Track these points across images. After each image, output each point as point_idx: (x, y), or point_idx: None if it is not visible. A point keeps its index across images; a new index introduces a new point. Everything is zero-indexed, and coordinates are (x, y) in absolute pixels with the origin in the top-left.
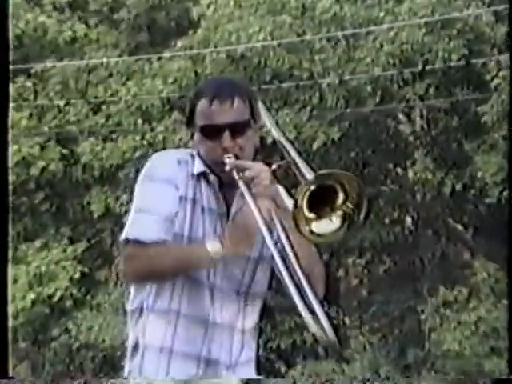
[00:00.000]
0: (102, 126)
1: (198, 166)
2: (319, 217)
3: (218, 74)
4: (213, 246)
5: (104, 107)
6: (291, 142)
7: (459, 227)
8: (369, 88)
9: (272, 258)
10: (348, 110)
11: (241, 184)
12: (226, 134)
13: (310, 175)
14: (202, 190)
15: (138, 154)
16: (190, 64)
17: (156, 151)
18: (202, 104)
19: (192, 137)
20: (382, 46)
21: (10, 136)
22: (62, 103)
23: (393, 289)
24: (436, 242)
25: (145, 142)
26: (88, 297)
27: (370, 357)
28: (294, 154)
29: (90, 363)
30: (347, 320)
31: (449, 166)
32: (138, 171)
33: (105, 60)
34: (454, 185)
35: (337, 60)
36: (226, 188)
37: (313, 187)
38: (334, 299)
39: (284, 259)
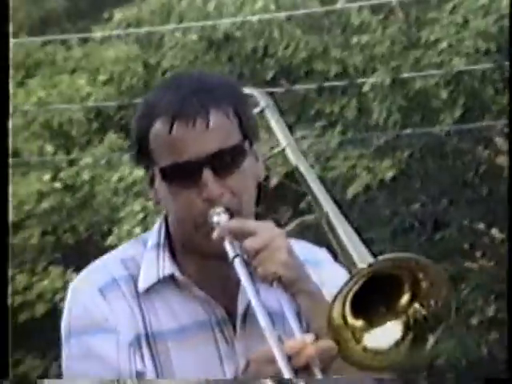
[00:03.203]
0: None
1: (148, 276)
2: (371, 324)
3: (183, 67)
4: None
5: None
6: (319, 178)
7: None
8: (444, 92)
9: None
10: (408, 131)
11: (237, 267)
12: (207, 173)
13: (360, 260)
14: (173, 305)
15: None
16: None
17: None
18: (158, 129)
19: (151, 183)
20: (466, 20)
21: None
22: None
23: None
24: None
25: None
26: None
27: None
28: (326, 202)
29: None
30: None
31: None
32: None
33: None
34: None
35: (389, 43)
36: (223, 271)
37: (363, 279)
38: None
39: None
